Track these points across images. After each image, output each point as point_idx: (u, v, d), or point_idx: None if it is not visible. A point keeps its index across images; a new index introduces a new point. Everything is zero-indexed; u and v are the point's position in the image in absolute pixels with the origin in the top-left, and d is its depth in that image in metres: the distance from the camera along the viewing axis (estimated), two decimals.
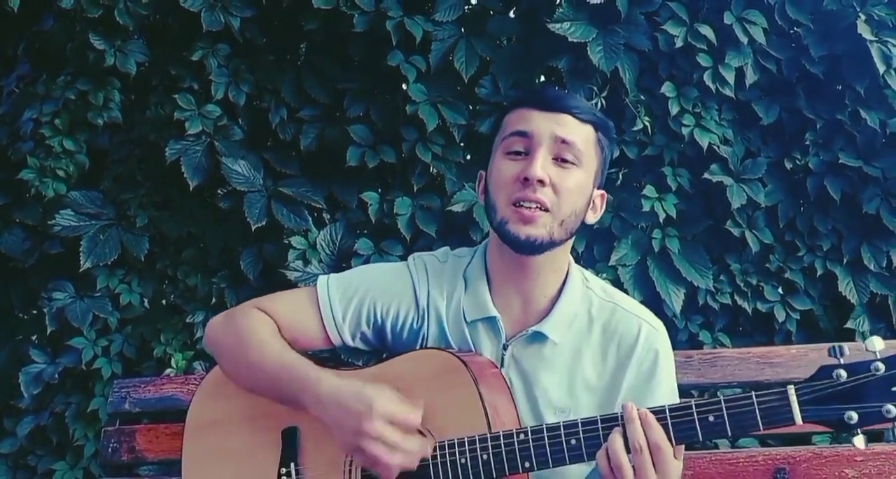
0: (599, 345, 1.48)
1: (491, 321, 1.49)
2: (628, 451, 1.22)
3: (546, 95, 1.48)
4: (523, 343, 1.48)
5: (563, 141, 1.40)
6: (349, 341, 1.53)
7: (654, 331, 1.49)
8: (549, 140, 1.40)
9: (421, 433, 1.34)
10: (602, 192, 1.52)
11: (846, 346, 1.19)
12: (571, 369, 1.47)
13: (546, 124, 1.41)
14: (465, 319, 1.50)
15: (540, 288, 1.49)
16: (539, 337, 1.47)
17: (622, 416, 1.25)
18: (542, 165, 1.38)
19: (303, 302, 1.54)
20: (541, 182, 1.38)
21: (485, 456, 1.31)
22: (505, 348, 1.48)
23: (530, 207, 1.39)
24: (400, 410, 1.30)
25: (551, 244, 1.41)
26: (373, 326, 1.53)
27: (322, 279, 1.56)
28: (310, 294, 1.54)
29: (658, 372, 1.46)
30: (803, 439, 2.23)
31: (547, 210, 1.39)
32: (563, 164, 1.41)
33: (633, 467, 1.21)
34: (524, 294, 1.49)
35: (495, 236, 1.47)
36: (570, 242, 1.49)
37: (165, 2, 2.67)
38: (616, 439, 1.23)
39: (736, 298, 2.69)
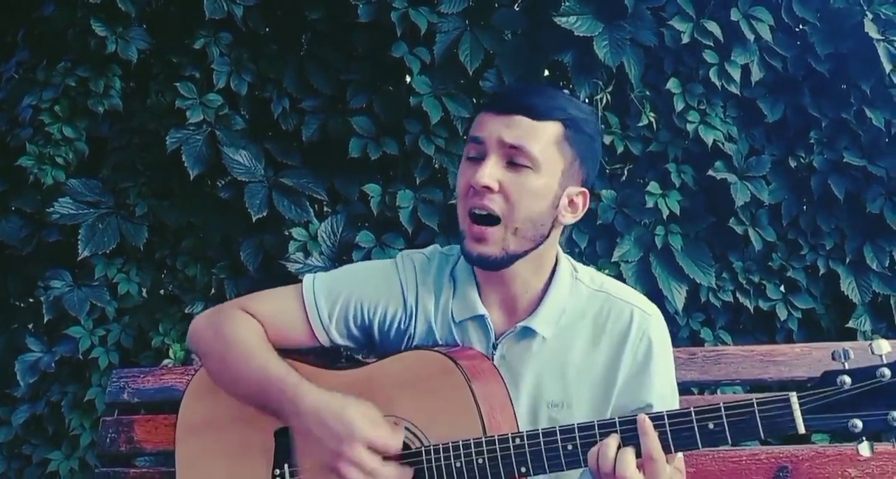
0: (591, 336, 1.45)
1: (479, 320, 1.46)
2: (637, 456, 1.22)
3: (503, 95, 1.41)
4: (512, 340, 1.45)
5: (512, 146, 1.35)
6: (337, 341, 1.51)
7: (646, 316, 1.46)
8: (496, 145, 1.35)
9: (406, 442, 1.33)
10: (583, 189, 1.44)
11: (851, 350, 1.15)
12: (563, 363, 1.44)
13: (495, 128, 1.36)
14: (453, 319, 1.47)
15: (524, 289, 1.46)
16: (528, 333, 1.44)
17: (620, 422, 1.24)
18: (489, 172, 1.34)
19: (288, 302, 1.51)
20: (488, 188, 1.34)
21: (480, 461, 1.29)
22: (494, 346, 1.46)
23: (480, 218, 1.36)
24: (380, 435, 1.29)
25: (511, 259, 1.38)
26: (360, 326, 1.51)
27: (308, 279, 1.52)
28: (296, 294, 1.51)
29: (653, 360, 1.44)
30: (804, 437, 2.22)
31: (498, 219, 1.35)
32: (517, 169, 1.36)
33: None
34: (510, 296, 1.47)
35: None
36: (551, 241, 1.45)
37: None
38: (610, 445, 1.22)
39: (738, 295, 2.68)
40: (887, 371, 1.11)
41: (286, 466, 1.44)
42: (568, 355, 1.45)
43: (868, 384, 1.12)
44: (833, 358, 1.16)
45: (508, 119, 1.36)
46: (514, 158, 1.35)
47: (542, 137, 1.36)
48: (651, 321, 1.46)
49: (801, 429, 1.15)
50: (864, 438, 1.13)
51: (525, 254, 1.40)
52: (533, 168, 1.35)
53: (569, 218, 1.44)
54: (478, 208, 1.35)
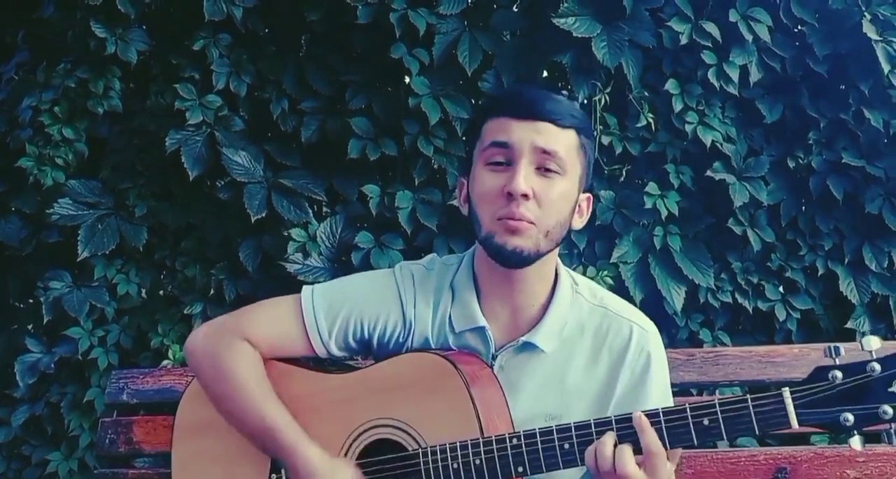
0: (590, 351, 1.46)
1: (480, 331, 1.46)
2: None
3: (524, 101, 1.40)
4: (512, 352, 1.46)
5: (545, 151, 1.36)
6: (335, 354, 1.51)
7: (645, 333, 1.47)
8: (530, 151, 1.36)
9: None
10: (588, 195, 1.48)
11: (842, 346, 1.16)
12: (562, 376, 1.45)
13: (526, 134, 1.36)
14: (452, 329, 1.47)
15: (529, 298, 1.46)
16: (529, 347, 1.45)
17: (616, 420, 1.24)
18: (525, 178, 1.34)
19: (287, 317, 1.50)
20: (525, 196, 1.34)
21: (477, 461, 1.30)
22: (494, 357, 1.46)
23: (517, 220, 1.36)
24: None
25: (538, 256, 1.39)
26: (359, 340, 1.51)
27: (307, 292, 1.52)
28: (294, 308, 1.50)
29: (650, 375, 1.44)
30: (802, 438, 2.23)
31: (532, 223, 1.36)
32: (546, 174, 1.37)
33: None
34: (513, 304, 1.47)
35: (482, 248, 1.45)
36: (557, 249, 1.46)
37: None
38: (607, 442, 1.23)
39: (737, 296, 2.68)
40: (877, 366, 1.13)
41: (283, 470, 1.44)
42: (567, 369, 1.45)
43: (859, 379, 1.15)
44: (825, 355, 1.17)
45: (536, 125, 1.37)
46: (546, 164, 1.37)
47: (567, 144, 1.39)
48: (649, 337, 1.48)
49: (795, 424, 1.16)
50: (855, 432, 1.15)
51: (547, 253, 1.41)
52: (561, 173, 1.38)
53: (577, 223, 1.47)
54: (512, 218, 1.35)
